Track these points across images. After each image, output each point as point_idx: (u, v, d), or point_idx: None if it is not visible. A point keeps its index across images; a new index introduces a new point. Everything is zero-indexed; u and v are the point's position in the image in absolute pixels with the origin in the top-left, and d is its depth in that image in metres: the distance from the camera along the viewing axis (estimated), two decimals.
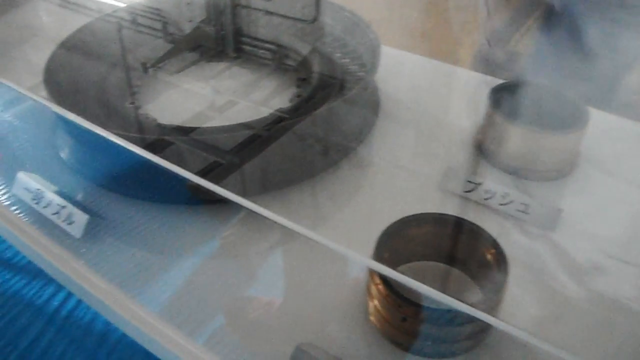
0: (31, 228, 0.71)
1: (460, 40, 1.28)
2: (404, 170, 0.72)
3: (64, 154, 0.79)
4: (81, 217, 0.68)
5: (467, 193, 0.68)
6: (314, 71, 0.80)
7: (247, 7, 0.98)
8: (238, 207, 0.68)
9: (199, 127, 0.71)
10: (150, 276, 0.65)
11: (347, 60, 0.83)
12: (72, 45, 0.85)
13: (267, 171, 0.70)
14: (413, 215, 0.58)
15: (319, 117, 0.70)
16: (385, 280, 0.53)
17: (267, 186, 0.69)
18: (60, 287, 1.31)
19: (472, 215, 0.62)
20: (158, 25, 0.99)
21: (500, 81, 0.77)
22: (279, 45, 0.91)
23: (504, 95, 0.72)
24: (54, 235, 0.69)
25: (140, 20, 0.99)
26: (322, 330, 0.58)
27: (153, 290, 0.63)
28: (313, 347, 0.53)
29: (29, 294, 1.29)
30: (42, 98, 0.75)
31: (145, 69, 0.89)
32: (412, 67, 0.93)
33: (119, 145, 0.71)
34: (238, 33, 0.97)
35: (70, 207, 0.69)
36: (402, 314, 0.53)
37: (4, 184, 0.77)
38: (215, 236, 0.69)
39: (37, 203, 0.72)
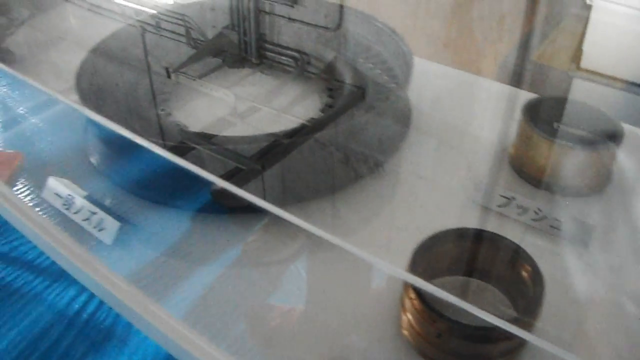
0: (60, 232, 0.72)
1: (483, 51, 1.27)
2: (435, 183, 0.72)
3: (94, 160, 0.80)
4: (112, 224, 0.68)
5: (500, 208, 0.67)
6: (344, 81, 0.80)
7: (270, 13, 0.99)
8: (264, 216, 0.69)
9: (232, 136, 0.71)
10: (176, 282, 0.65)
11: (378, 71, 0.83)
12: (102, 51, 0.86)
13: (299, 181, 0.70)
14: (449, 230, 0.58)
15: (351, 129, 0.70)
16: (420, 294, 0.53)
17: (300, 196, 0.69)
18: (81, 290, 1.32)
19: (504, 231, 0.61)
20: (182, 31, 0.99)
21: (531, 94, 0.76)
22: (302, 53, 0.91)
23: (538, 110, 0.72)
24: (83, 240, 0.70)
25: (165, 25, 1.00)
26: (352, 343, 0.58)
27: (177, 295, 0.64)
28: None
29: (51, 296, 1.30)
30: (75, 102, 0.75)
31: (168, 73, 0.90)
32: (440, 78, 0.93)
33: (149, 152, 0.72)
34: (261, 39, 0.97)
35: (101, 214, 0.69)
36: (437, 330, 0.52)
37: (33, 187, 0.77)
38: (241, 244, 0.69)
39: (67, 209, 0.72)
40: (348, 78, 0.81)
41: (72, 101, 0.79)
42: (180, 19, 0.99)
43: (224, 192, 0.73)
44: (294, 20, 1.02)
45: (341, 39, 0.92)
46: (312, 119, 0.76)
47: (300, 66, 0.91)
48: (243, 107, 0.87)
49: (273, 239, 0.69)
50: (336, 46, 0.90)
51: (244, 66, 0.98)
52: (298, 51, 0.93)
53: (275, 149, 0.69)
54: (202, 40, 0.98)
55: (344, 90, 0.79)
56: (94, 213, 0.70)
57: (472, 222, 0.66)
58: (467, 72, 0.95)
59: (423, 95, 0.86)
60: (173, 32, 0.98)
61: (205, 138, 0.73)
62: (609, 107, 0.74)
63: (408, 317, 0.55)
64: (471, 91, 0.92)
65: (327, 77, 0.86)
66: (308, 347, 0.58)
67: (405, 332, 0.57)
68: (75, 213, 0.71)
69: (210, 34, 1.00)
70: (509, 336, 0.51)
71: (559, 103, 0.72)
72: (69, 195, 0.73)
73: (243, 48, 0.99)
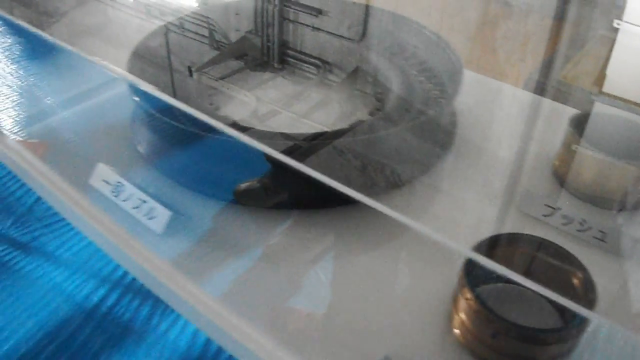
0: (108, 219, 0.73)
1: (506, 70, 1.29)
2: (482, 192, 0.74)
3: (142, 149, 0.81)
4: (163, 213, 0.69)
5: (546, 217, 0.69)
6: (391, 89, 0.82)
7: (294, 21, 1.00)
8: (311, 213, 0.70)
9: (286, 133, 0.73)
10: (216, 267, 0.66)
11: (424, 79, 0.84)
12: (142, 52, 0.87)
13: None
14: (505, 234, 0.60)
15: (395, 136, 0.72)
16: (477, 295, 0.54)
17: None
18: (101, 283, 1.33)
19: (550, 240, 0.63)
20: (206, 32, 1.01)
21: (572, 109, 0.78)
22: (324, 62, 0.93)
23: (583, 124, 0.73)
24: (131, 228, 0.71)
25: (189, 26, 1.02)
26: (403, 341, 0.59)
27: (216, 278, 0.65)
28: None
29: (70, 288, 1.31)
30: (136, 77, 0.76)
31: (190, 72, 0.91)
32: (478, 86, 0.94)
33: (195, 142, 0.73)
34: (284, 45, 0.99)
35: (152, 202, 0.70)
36: (493, 330, 0.54)
37: (81, 174, 0.78)
38: (295, 240, 0.70)
39: (116, 196, 0.73)
40: (396, 86, 0.82)
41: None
42: (205, 21, 1.01)
43: (245, 192, 0.75)
44: (317, 29, 1.04)
45: (363, 50, 0.93)
46: (360, 121, 0.77)
47: (321, 73, 0.93)
48: (264, 109, 0.88)
49: (310, 236, 0.70)
50: (358, 58, 0.92)
51: (265, 70, 1.00)
52: (320, 59, 0.95)
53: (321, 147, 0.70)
54: (225, 43, 0.99)
55: (390, 96, 0.81)
56: (144, 201, 0.71)
57: (518, 230, 0.67)
58: (505, 83, 0.97)
59: (465, 103, 0.87)
60: (197, 33, 1.00)
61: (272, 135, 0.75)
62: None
63: (461, 316, 0.57)
64: (511, 102, 0.94)
65: (376, 83, 0.88)
66: (357, 345, 0.59)
67: (457, 332, 0.58)
68: (124, 201, 0.72)
69: (234, 37, 1.02)
70: (563, 339, 0.52)
71: (605, 117, 0.74)
72: (119, 182, 0.74)
73: (265, 52, 1.01)
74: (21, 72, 0.92)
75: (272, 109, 0.88)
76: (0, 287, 1.32)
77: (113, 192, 0.74)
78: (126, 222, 0.71)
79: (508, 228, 0.67)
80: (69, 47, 0.77)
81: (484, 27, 1.38)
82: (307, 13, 0.99)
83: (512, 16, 1.28)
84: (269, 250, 0.70)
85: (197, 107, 0.81)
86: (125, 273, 1.33)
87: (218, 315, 0.61)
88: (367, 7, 0.99)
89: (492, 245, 0.59)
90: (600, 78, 1.24)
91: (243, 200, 0.74)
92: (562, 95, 1.12)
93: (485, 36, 1.37)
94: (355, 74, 0.90)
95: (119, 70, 0.80)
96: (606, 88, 1.17)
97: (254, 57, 1.01)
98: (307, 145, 0.70)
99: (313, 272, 0.66)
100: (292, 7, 0.98)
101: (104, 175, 0.75)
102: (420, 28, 0.88)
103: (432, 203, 0.72)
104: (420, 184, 0.74)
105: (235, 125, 0.77)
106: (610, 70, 1.09)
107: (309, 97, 0.91)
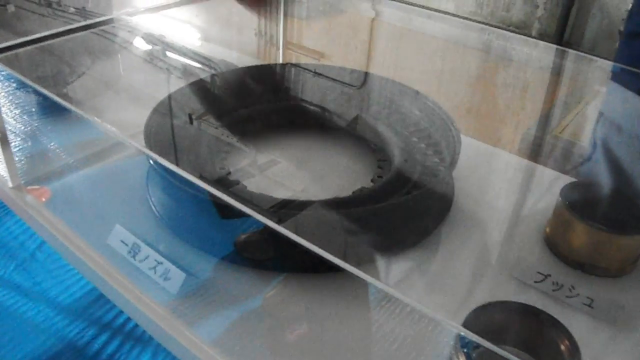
0: (124, 278, 0.80)
1: (505, 119, 1.38)
2: (476, 258, 0.81)
3: (157, 210, 0.89)
4: (178, 275, 0.77)
5: (537, 283, 0.77)
6: (393, 154, 0.90)
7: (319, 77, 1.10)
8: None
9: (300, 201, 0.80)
10: (239, 335, 0.74)
11: (423, 146, 0.93)
12: (165, 108, 0.96)
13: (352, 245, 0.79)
14: (497, 302, 0.67)
15: (394, 202, 0.80)
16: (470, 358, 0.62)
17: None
18: (101, 331, 1.39)
19: (540, 305, 0.71)
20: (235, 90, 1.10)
21: (567, 177, 0.87)
22: (354, 122, 1.02)
23: (574, 194, 0.82)
24: (146, 287, 0.78)
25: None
26: None
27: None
28: None
29: (72, 334, 1.37)
30: (144, 148, 0.85)
31: (190, 120, 0.99)
32: (474, 152, 1.03)
33: (210, 207, 0.81)
34: (309, 104, 1.08)
35: (167, 264, 0.78)
36: None
37: (99, 233, 0.86)
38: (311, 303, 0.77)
39: (133, 256, 0.81)
40: (397, 151, 0.91)
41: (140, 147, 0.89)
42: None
43: (246, 244, 0.83)
44: (319, 74, 1.14)
45: (387, 111, 1.02)
46: (363, 188, 0.86)
47: (351, 136, 1.01)
48: (290, 170, 0.97)
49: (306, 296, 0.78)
50: (382, 118, 1.00)
51: (289, 130, 1.08)
52: (341, 118, 1.03)
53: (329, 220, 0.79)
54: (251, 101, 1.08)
55: (392, 162, 0.89)
56: (160, 263, 0.79)
57: (510, 296, 0.75)
58: (502, 150, 1.05)
59: (461, 171, 0.95)
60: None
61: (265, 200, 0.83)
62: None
63: None
64: (505, 168, 1.02)
65: (377, 148, 0.96)
66: None
67: None
68: (141, 261, 0.80)
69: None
70: None
71: (596, 188, 0.82)
72: (135, 243, 0.82)
73: (291, 112, 1.09)
74: (37, 124, 1.00)
75: (286, 166, 0.97)
76: (1, 332, 1.39)
77: (130, 252, 0.81)
78: (137, 277, 0.79)
79: (500, 294, 0.75)
80: (81, 113, 0.85)
81: (484, 77, 1.48)
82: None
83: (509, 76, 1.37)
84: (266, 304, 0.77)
85: (209, 167, 0.90)
86: (127, 320, 1.39)
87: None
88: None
89: (483, 313, 0.67)
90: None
91: (242, 251, 0.82)
92: (557, 150, 1.22)
93: (486, 85, 1.46)
94: (355, 128, 0.99)
95: (132, 142, 0.88)
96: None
97: (280, 117, 1.08)
98: (304, 214, 0.78)
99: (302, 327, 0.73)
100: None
101: (121, 235, 0.83)
102: (423, 99, 0.97)
103: (427, 270, 0.80)
104: (415, 251, 0.82)
105: (238, 190, 0.85)
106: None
107: (337, 159, 0.99)
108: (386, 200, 0.80)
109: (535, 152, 1.14)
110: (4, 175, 0.95)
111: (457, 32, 1.42)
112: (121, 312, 1.37)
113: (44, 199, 0.97)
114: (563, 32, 1.76)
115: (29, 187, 0.96)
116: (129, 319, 1.37)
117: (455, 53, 1.43)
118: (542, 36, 1.82)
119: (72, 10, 1.27)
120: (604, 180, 0.89)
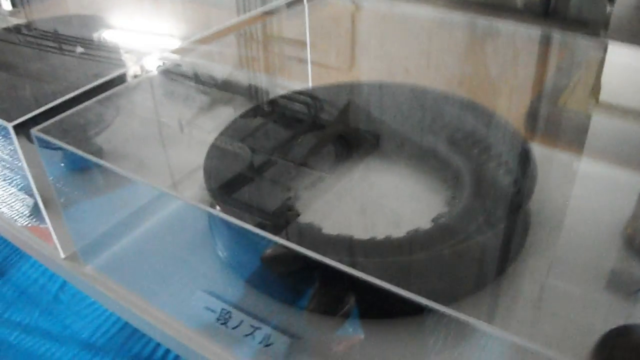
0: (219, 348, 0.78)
1: (499, 90, 1.38)
2: (565, 280, 0.81)
3: (231, 265, 0.85)
4: (281, 341, 0.75)
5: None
6: (468, 185, 0.88)
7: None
8: None
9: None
10: None
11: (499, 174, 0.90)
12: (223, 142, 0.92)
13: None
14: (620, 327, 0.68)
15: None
16: None
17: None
18: None
19: None
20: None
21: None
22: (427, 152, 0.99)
23: None
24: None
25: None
26: None
27: None
28: None
29: None
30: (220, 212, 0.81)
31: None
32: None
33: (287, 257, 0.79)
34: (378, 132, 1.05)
35: (266, 329, 0.76)
36: None
37: (180, 300, 0.83)
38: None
39: (224, 324, 0.78)
40: (469, 181, 0.88)
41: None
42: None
43: (273, 258, 0.81)
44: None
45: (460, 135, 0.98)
46: (440, 215, 0.84)
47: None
48: (358, 202, 0.94)
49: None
50: (454, 142, 0.97)
51: (357, 158, 1.03)
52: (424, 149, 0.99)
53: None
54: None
55: (465, 186, 0.87)
56: (258, 328, 0.76)
57: (612, 314, 0.76)
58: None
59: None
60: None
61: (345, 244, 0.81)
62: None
63: None
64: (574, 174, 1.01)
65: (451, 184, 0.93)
66: None
67: None
68: (234, 328, 0.78)
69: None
70: None
71: None
72: (223, 309, 0.79)
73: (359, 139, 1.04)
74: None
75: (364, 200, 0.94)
76: None
77: (219, 319, 0.79)
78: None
79: (610, 315, 0.75)
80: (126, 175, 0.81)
81: (475, 48, 1.47)
82: None
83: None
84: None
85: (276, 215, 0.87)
86: (167, 352, 1.37)
87: None
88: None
89: (610, 343, 0.68)
90: (596, 91, 1.36)
91: (269, 264, 0.80)
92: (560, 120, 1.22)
93: (477, 57, 1.45)
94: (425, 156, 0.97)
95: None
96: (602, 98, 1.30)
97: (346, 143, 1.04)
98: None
99: None
100: None
101: (205, 302, 0.80)
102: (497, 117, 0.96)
103: (514, 305, 0.79)
104: (495, 285, 0.80)
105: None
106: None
107: (407, 188, 0.96)
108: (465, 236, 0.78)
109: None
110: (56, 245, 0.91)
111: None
112: (159, 344, 1.35)
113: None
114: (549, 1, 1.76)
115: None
116: (168, 351, 1.35)
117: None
118: (526, 5, 1.82)
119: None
120: None
